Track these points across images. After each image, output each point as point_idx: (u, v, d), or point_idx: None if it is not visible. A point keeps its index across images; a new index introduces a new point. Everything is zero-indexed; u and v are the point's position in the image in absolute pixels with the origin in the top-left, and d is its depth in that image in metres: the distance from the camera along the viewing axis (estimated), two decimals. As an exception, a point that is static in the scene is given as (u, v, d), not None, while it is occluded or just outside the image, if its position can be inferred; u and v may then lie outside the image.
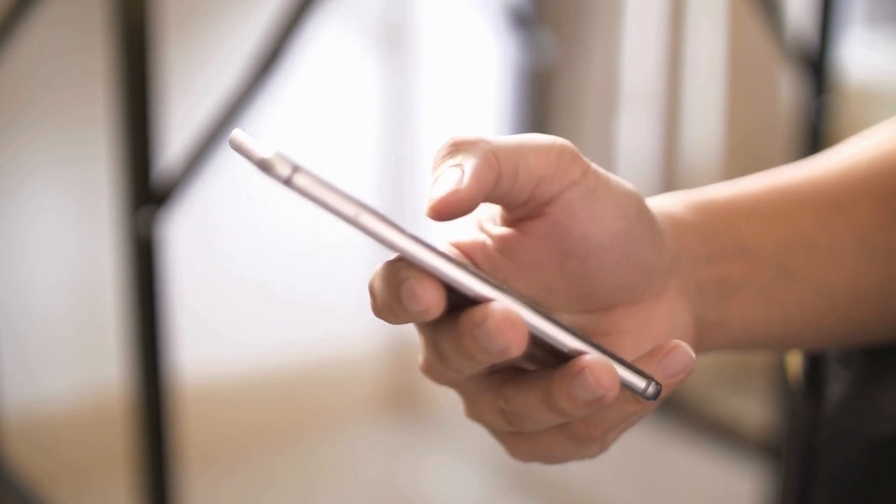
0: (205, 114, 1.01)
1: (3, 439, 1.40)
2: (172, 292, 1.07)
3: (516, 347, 0.33)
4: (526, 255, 0.39)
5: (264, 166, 0.32)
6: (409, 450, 1.69)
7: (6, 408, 1.42)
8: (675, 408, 1.65)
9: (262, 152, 0.32)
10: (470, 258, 0.40)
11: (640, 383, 0.36)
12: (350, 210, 0.33)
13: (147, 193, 0.91)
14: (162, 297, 0.94)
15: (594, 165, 0.39)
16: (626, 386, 0.36)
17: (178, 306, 1.29)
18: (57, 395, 1.51)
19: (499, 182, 0.37)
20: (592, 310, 0.41)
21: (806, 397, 0.58)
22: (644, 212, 0.40)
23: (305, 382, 1.72)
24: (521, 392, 0.37)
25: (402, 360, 1.78)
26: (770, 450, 1.42)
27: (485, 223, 0.41)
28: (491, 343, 0.33)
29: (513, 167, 0.37)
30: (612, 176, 0.39)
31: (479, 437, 0.53)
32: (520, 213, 0.39)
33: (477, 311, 0.34)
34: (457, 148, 0.37)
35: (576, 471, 1.47)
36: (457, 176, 0.36)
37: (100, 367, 1.51)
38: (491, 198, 0.37)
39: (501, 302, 0.34)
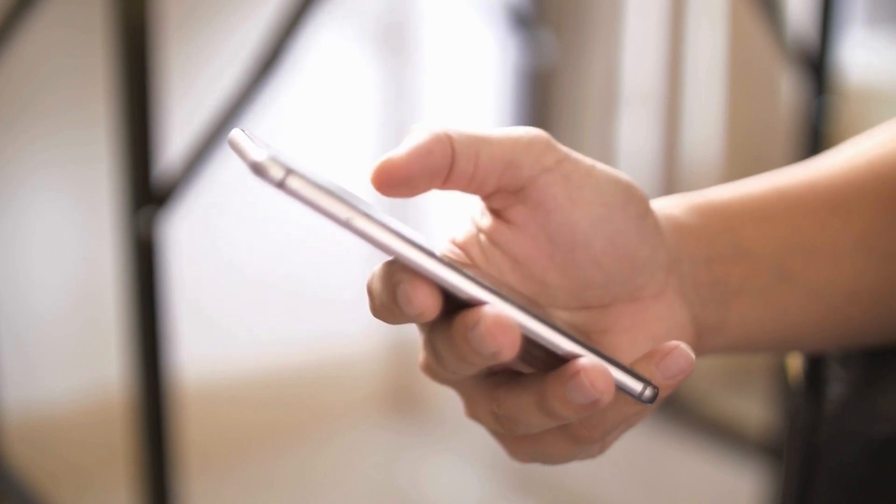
0: (205, 114, 1.01)
1: (3, 439, 1.40)
2: (172, 293, 1.07)
3: (508, 351, 0.33)
4: (515, 246, 0.40)
5: (256, 169, 0.32)
6: (409, 450, 1.69)
7: (6, 408, 1.42)
8: (676, 408, 1.65)
9: (255, 155, 0.32)
10: (467, 254, 0.41)
11: (636, 386, 0.36)
12: (342, 214, 0.33)
13: (147, 194, 0.91)
14: (162, 298, 0.94)
15: (575, 154, 0.39)
16: (621, 389, 0.36)
17: (179, 307, 1.29)
18: (57, 395, 1.51)
19: (455, 162, 0.37)
20: (590, 306, 0.41)
21: (806, 397, 0.58)
22: (633, 202, 0.40)
23: (305, 382, 1.72)
24: (514, 396, 0.37)
25: (402, 360, 1.78)
26: (770, 450, 1.42)
27: (475, 215, 0.41)
28: (482, 346, 0.33)
29: (472, 149, 0.37)
30: (599, 165, 0.39)
31: (479, 438, 0.53)
32: (496, 203, 0.39)
33: (469, 315, 0.34)
34: (408, 133, 0.37)
35: (576, 471, 1.47)
36: (396, 149, 0.36)
37: (100, 367, 1.51)
38: (453, 181, 0.38)
39: (495, 305, 0.34)
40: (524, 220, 0.39)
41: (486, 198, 0.39)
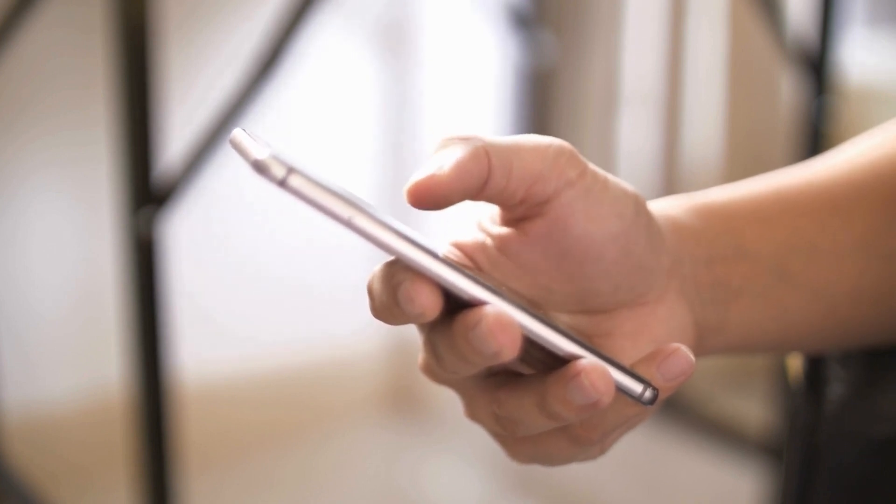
0: (205, 114, 1.01)
1: (3, 439, 1.40)
2: (172, 293, 1.07)
3: (509, 351, 0.33)
4: (525, 256, 0.39)
5: (258, 167, 0.32)
6: (409, 450, 1.69)
7: (6, 408, 1.42)
8: (676, 408, 1.65)
9: (257, 153, 0.32)
10: (471, 258, 0.40)
11: (636, 388, 0.36)
12: (344, 213, 0.33)
13: (147, 194, 0.91)
14: (162, 298, 0.94)
15: (592, 166, 0.39)
16: (621, 390, 0.36)
17: (179, 307, 1.29)
18: (57, 395, 1.51)
19: (491, 177, 0.37)
20: (592, 311, 0.41)
21: (806, 398, 0.59)
22: (642, 212, 0.40)
23: (305, 382, 1.72)
24: (515, 397, 0.37)
25: (402, 360, 1.78)
26: (770, 450, 1.42)
27: (485, 223, 0.41)
28: (484, 346, 0.33)
29: (506, 162, 0.37)
30: (610, 176, 0.39)
31: (479, 438, 0.53)
32: (517, 213, 0.39)
33: (470, 314, 0.34)
34: (447, 142, 0.37)
35: (576, 471, 1.47)
36: (437, 163, 0.36)
37: (100, 367, 1.51)
38: (485, 195, 0.37)
39: (496, 305, 0.34)
40: (539, 233, 0.39)
41: (508, 209, 0.39)
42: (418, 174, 0.36)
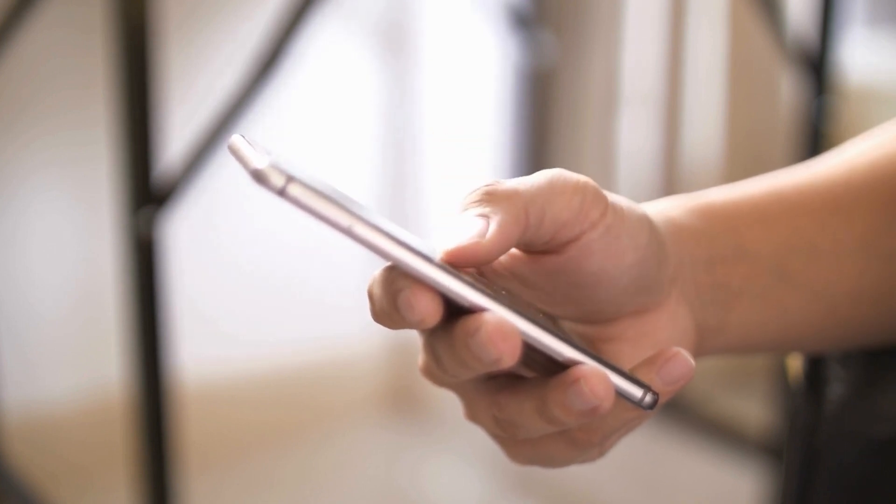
0: (205, 114, 1.01)
1: (3, 439, 1.40)
2: (172, 293, 1.07)
3: (509, 358, 0.33)
4: (532, 279, 0.39)
5: (257, 177, 0.31)
6: (409, 450, 1.69)
7: (6, 408, 1.42)
8: (676, 408, 1.65)
9: (256, 162, 0.32)
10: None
11: (636, 393, 0.36)
12: (344, 222, 0.33)
13: (147, 194, 0.91)
14: (162, 298, 0.94)
15: (611, 198, 0.38)
16: (621, 395, 0.36)
17: (179, 307, 1.29)
18: (57, 395, 1.51)
19: (525, 230, 0.36)
20: (595, 322, 0.41)
21: (806, 398, 0.58)
22: (654, 235, 0.39)
23: (306, 382, 1.72)
24: (515, 400, 0.37)
25: (403, 360, 1.78)
26: (770, 450, 1.42)
27: None
28: (483, 353, 0.33)
29: (540, 215, 0.36)
30: (625, 205, 0.39)
31: (479, 438, 0.53)
32: (536, 250, 0.39)
33: (470, 321, 0.34)
34: (489, 198, 0.36)
35: (576, 472, 1.47)
36: (480, 227, 0.35)
37: (100, 367, 1.51)
38: (517, 246, 0.37)
39: (496, 312, 0.34)
40: (553, 267, 0.38)
41: (529, 248, 0.39)
42: (460, 237, 0.35)
